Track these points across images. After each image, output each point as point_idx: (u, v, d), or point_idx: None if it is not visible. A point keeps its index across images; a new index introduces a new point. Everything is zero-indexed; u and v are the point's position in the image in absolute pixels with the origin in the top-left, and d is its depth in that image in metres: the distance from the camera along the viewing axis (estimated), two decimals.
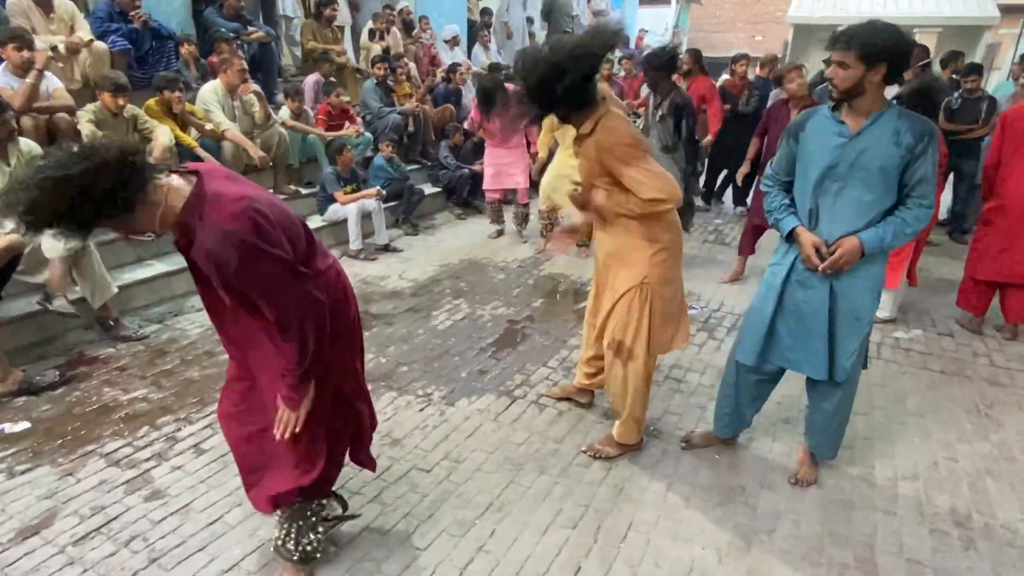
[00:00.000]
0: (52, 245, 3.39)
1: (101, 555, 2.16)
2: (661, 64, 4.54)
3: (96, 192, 1.44)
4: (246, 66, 5.10)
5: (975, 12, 14.51)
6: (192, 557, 2.16)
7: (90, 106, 4.20)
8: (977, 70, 5.81)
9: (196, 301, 4.28)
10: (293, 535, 2.01)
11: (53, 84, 4.27)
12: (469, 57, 9.25)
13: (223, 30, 5.71)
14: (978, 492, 2.59)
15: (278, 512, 2.01)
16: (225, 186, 1.62)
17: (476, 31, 9.77)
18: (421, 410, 3.08)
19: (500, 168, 5.67)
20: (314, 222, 5.32)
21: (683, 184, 4.75)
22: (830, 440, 2.58)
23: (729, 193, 6.98)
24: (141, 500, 2.43)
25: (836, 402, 2.47)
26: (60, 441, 2.78)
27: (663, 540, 2.29)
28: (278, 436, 1.85)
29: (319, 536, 2.05)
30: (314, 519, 2.03)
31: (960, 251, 5.37)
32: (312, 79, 6.51)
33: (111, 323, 3.73)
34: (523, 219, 5.88)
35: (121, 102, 4.17)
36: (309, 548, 2.03)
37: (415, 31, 8.56)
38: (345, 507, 2.28)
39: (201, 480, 2.55)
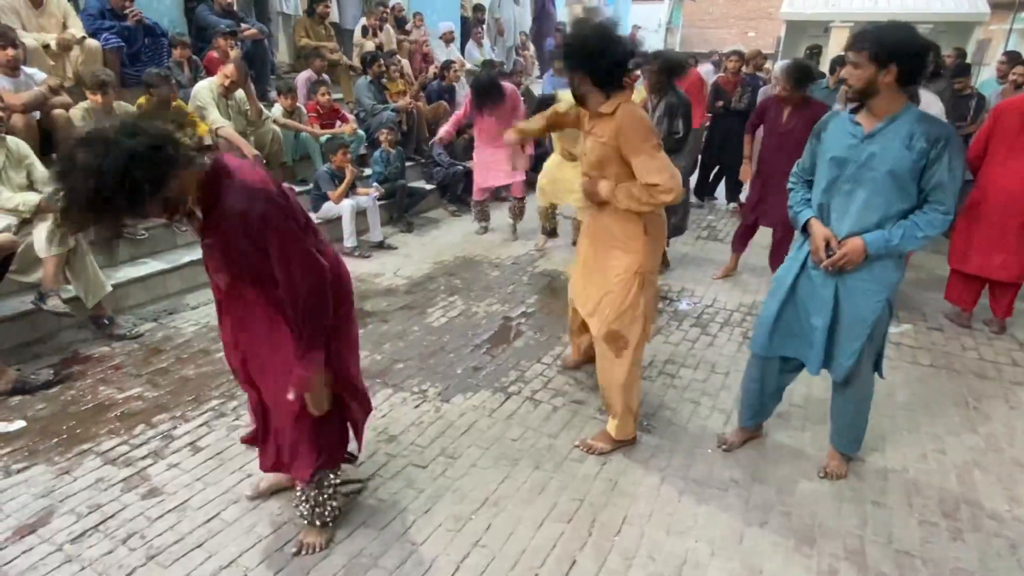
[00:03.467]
0: (45, 244, 3.39)
1: (99, 553, 2.17)
2: (667, 68, 4.46)
3: (147, 168, 1.53)
4: (236, 74, 5.05)
5: (965, 8, 14.61)
6: (190, 554, 2.17)
7: (83, 103, 4.18)
8: (965, 71, 5.86)
9: (191, 299, 4.29)
10: (312, 502, 2.17)
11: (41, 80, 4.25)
12: (463, 54, 9.25)
13: (221, 26, 5.69)
14: (966, 483, 2.63)
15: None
16: (240, 162, 1.80)
17: (470, 28, 9.77)
18: (417, 407, 3.10)
19: (489, 164, 5.64)
20: None
21: (685, 184, 4.74)
22: (844, 434, 2.63)
23: (722, 189, 7.01)
24: (138, 498, 2.44)
25: (845, 399, 2.53)
26: (56, 440, 2.78)
27: (657, 533, 2.32)
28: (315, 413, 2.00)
29: (336, 502, 2.24)
30: (330, 487, 2.20)
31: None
32: (304, 76, 6.49)
33: (105, 322, 3.73)
34: (519, 212, 5.83)
35: (101, 99, 4.09)
36: (327, 514, 2.21)
37: (408, 27, 8.55)
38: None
39: (197, 478, 2.56)
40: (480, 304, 4.37)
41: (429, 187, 6.71)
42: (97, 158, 1.47)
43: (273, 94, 6.12)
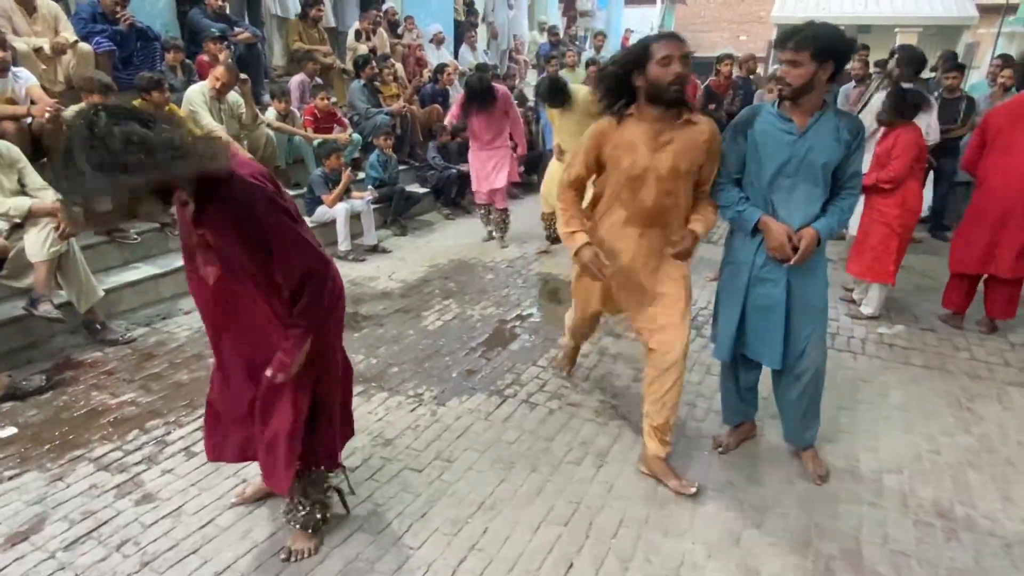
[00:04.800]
0: (36, 249, 3.36)
1: (92, 560, 2.15)
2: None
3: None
4: (227, 77, 5.04)
5: (954, 12, 14.76)
6: (184, 560, 2.16)
7: (75, 106, 4.15)
8: (957, 67, 5.91)
9: (184, 303, 4.26)
10: (302, 506, 2.14)
11: (30, 81, 4.21)
12: (456, 57, 9.26)
13: (212, 30, 5.68)
14: (960, 484, 2.65)
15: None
16: (237, 155, 1.80)
17: (463, 31, 9.78)
18: (412, 410, 3.09)
19: (482, 169, 5.64)
20: None
21: None
22: (799, 424, 2.63)
23: None
24: (132, 504, 2.42)
25: (793, 383, 2.53)
26: (48, 446, 2.76)
27: (654, 535, 2.32)
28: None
29: (324, 508, 2.21)
30: (319, 491, 2.19)
31: (941, 247, 5.46)
32: (297, 79, 6.48)
33: (98, 327, 3.70)
34: (501, 224, 5.77)
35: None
36: (315, 519, 2.18)
37: (400, 31, 8.55)
38: (346, 487, 2.40)
39: (192, 483, 2.54)
40: (475, 307, 4.37)
41: (423, 191, 6.71)
42: (96, 133, 1.46)
43: (267, 97, 6.11)
